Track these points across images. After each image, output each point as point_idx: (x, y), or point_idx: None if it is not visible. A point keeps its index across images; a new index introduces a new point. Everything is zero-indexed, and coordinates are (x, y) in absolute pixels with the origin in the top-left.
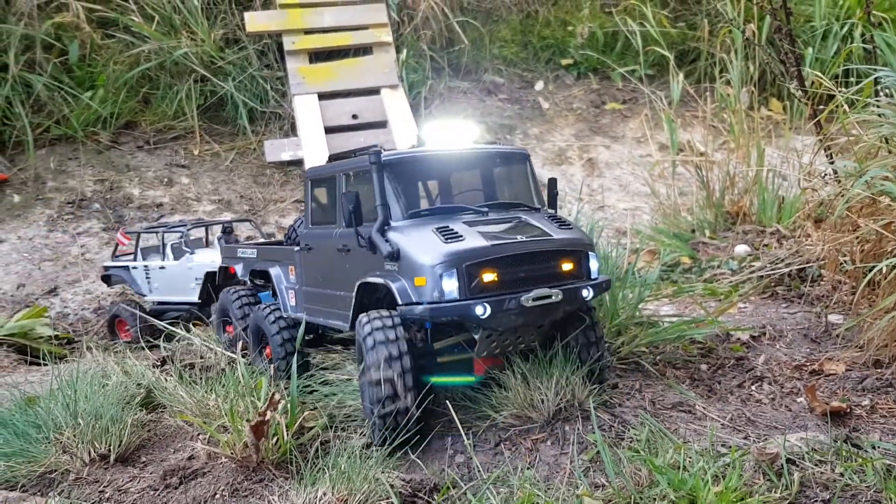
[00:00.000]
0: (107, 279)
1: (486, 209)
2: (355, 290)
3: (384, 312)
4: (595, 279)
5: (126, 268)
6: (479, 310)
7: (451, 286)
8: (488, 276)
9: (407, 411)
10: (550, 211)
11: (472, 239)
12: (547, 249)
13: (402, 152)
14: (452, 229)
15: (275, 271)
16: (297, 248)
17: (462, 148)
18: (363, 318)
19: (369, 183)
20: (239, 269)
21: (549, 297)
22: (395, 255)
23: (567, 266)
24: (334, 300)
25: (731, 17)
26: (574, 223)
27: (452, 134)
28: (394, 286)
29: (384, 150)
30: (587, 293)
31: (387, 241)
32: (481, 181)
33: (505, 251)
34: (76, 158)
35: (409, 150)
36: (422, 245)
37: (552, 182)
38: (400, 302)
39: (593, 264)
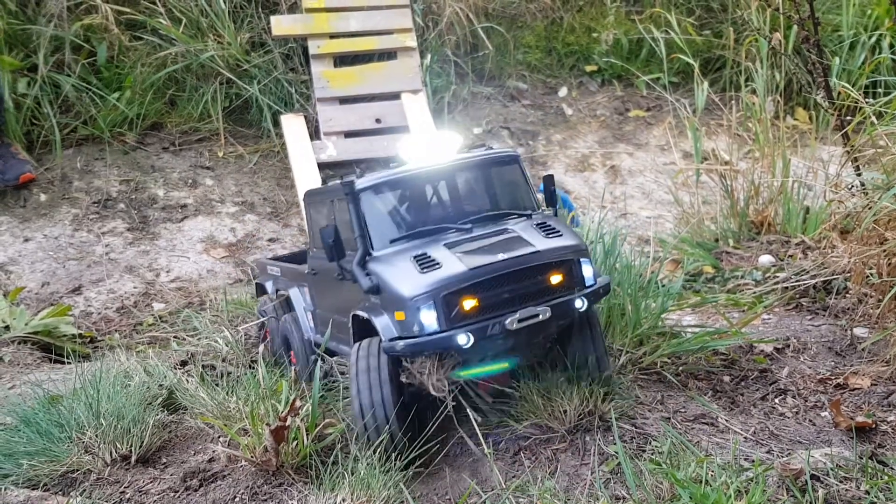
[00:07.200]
0: None
1: (469, 225)
2: (350, 320)
3: (374, 342)
4: (591, 286)
5: None
6: (461, 339)
7: (429, 318)
8: (469, 303)
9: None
10: (546, 213)
11: (450, 265)
12: (531, 265)
13: (378, 176)
14: (430, 256)
15: (294, 293)
16: (305, 272)
17: (444, 162)
18: (355, 347)
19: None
20: (269, 286)
21: (535, 315)
22: (376, 290)
23: (556, 278)
24: (341, 326)
25: (758, 27)
26: (566, 227)
27: (434, 146)
28: (377, 322)
29: (360, 174)
30: (580, 304)
31: (367, 274)
32: (467, 193)
33: (484, 274)
34: (102, 159)
35: (386, 172)
36: (399, 277)
37: (547, 179)
38: (384, 338)
39: (587, 271)
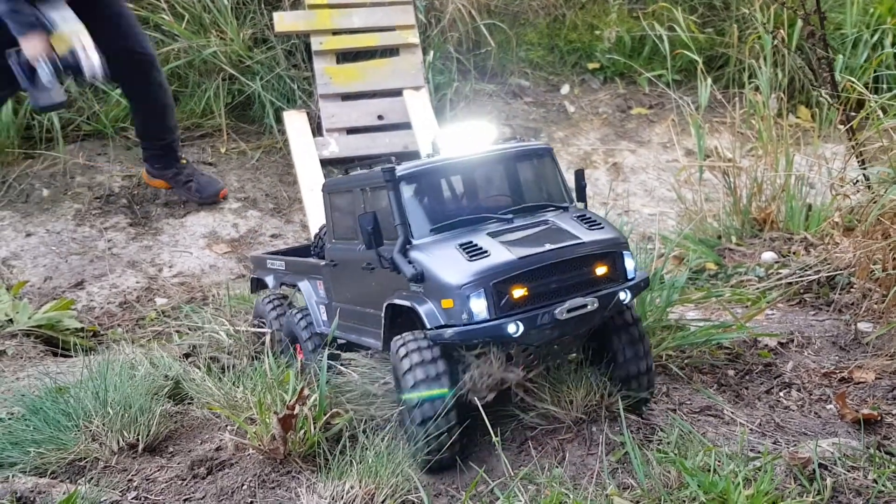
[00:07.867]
0: None
1: (510, 216)
2: (384, 310)
3: (419, 334)
4: (632, 279)
5: None
6: (511, 328)
7: (479, 307)
8: (518, 292)
9: (450, 433)
10: (580, 207)
11: (498, 253)
12: (578, 255)
13: (418, 164)
14: (476, 244)
15: (304, 286)
16: (322, 263)
17: (481, 151)
18: (398, 341)
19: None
20: (270, 280)
21: (584, 306)
22: (420, 277)
23: (601, 270)
24: (364, 317)
25: (763, 22)
26: (605, 220)
27: (470, 137)
28: (421, 310)
29: (398, 162)
30: (625, 296)
31: (409, 262)
32: (504, 184)
33: (533, 263)
34: (105, 154)
35: (425, 160)
36: (446, 265)
37: (579, 174)
38: (428, 326)
39: (629, 263)
